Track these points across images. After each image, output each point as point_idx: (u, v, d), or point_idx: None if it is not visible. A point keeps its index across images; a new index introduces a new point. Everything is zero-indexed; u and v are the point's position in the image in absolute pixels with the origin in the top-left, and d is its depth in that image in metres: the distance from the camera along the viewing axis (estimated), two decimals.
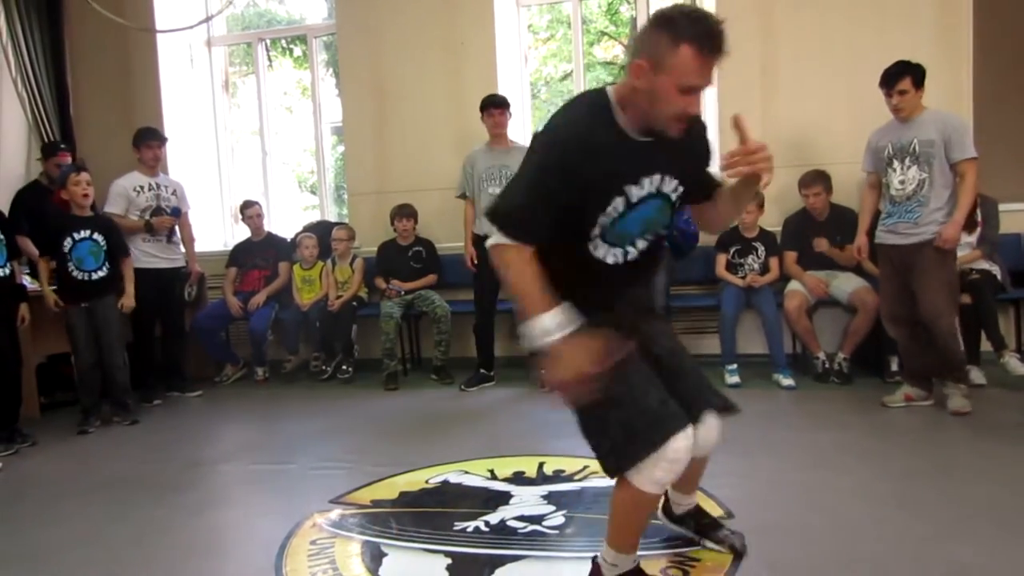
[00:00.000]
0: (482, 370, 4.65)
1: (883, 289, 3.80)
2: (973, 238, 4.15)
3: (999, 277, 4.18)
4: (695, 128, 1.81)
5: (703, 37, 1.56)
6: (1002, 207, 4.28)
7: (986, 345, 4.16)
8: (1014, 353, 4.22)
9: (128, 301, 4.26)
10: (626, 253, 1.80)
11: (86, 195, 4.13)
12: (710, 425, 1.85)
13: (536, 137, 1.79)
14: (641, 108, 1.66)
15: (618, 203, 1.72)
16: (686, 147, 1.78)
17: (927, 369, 3.65)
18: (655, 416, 1.70)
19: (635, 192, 1.72)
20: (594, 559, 1.95)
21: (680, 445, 1.68)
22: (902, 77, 3.48)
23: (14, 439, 3.79)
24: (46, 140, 5.64)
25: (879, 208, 3.79)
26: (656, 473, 1.69)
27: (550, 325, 1.62)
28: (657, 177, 1.75)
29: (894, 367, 4.16)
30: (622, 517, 1.86)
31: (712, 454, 2.00)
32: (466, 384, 4.59)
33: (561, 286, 1.68)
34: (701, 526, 2.22)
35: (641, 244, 1.83)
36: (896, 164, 3.56)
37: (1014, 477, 2.71)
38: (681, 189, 1.82)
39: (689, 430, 1.71)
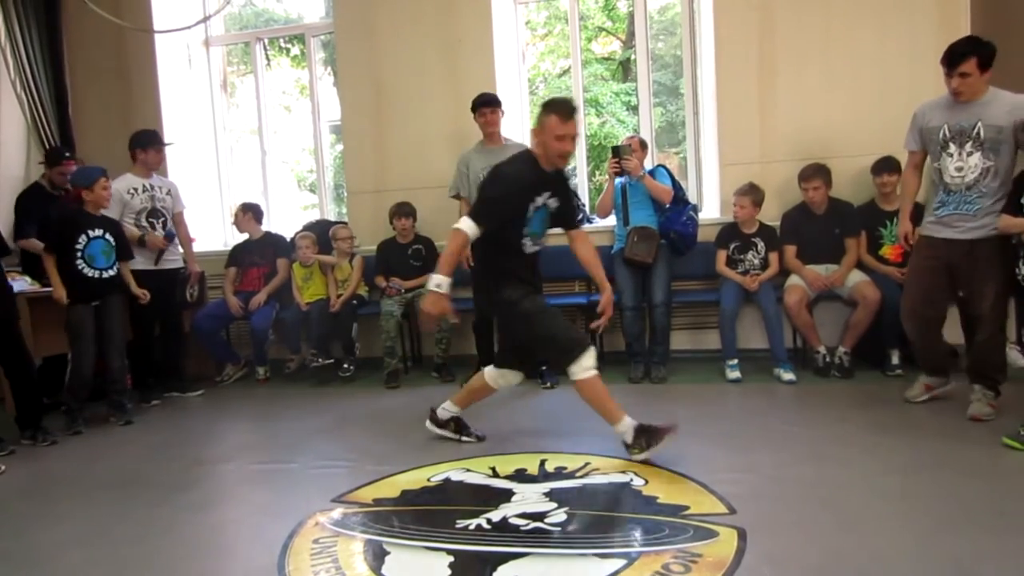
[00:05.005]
0: (482, 368, 4.64)
1: (914, 283, 3.43)
2: None
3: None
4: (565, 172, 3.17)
5: (559, 108, 2.91)
6: None
7: None
8: (1015, 345, 4.23)
9: (139, 291, 4.34)
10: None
11: (108, 199, 4.25)
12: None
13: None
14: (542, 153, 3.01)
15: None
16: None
17: (947, 362, 3.55)
18: (576, 334, 3.04)
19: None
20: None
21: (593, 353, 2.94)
22: (966, 59, 3.01)
23: (37, 437, 3.83)
24: (45, 141, 5.65)
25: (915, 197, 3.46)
26: (586, 362, 2.91)
27: (438, 281, 2.91)
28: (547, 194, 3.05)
29: (895, 360, 4.17)
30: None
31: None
32: (467, 382, 4.58)
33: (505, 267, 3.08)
34: (459, 426, 3.42)
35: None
36: (953, 148, 3.15)
37: (1015, 471, 2.71)
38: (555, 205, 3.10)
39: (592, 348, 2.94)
